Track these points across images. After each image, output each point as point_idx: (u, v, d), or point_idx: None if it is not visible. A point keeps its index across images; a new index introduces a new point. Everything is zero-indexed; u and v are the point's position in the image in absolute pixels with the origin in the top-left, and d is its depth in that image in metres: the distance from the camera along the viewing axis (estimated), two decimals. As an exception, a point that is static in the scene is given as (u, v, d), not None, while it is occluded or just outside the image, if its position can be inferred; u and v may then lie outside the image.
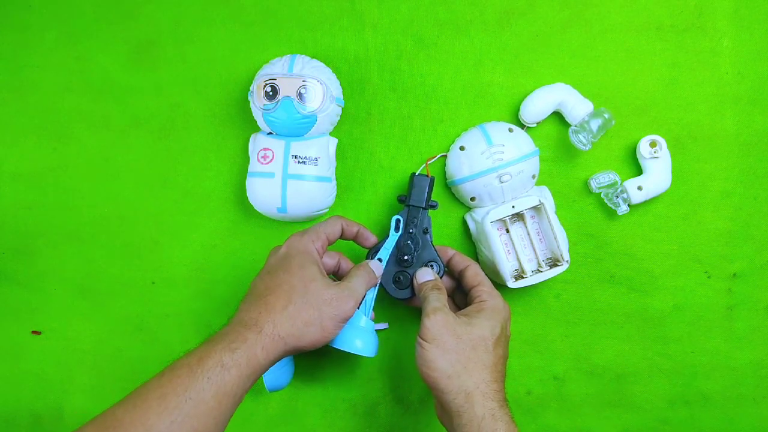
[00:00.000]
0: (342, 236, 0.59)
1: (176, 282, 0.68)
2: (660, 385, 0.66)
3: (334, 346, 0.55)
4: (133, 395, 0.45)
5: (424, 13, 0.67)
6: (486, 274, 0.65)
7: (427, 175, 0.62)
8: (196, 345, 0.65)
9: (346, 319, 0.52)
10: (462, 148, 0.63)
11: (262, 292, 0.51)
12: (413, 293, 0.59)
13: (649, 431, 0.67)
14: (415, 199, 0.61)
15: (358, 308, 0.57)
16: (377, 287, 0.59)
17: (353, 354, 0.64)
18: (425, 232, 0.60)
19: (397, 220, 0.60)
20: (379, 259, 0.59)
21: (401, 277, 0.60)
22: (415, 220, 0.60)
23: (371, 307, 0.58)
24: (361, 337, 0.56)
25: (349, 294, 0.52)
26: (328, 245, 0.57)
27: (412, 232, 0.60)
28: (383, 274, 0.59)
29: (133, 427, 0.42)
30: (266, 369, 0.48)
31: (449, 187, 0.66)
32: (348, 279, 0.54)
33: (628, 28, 0.66)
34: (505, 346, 0.55)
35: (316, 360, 0.68)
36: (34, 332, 0.69)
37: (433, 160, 0.66)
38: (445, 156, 0.66)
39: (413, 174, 0.62)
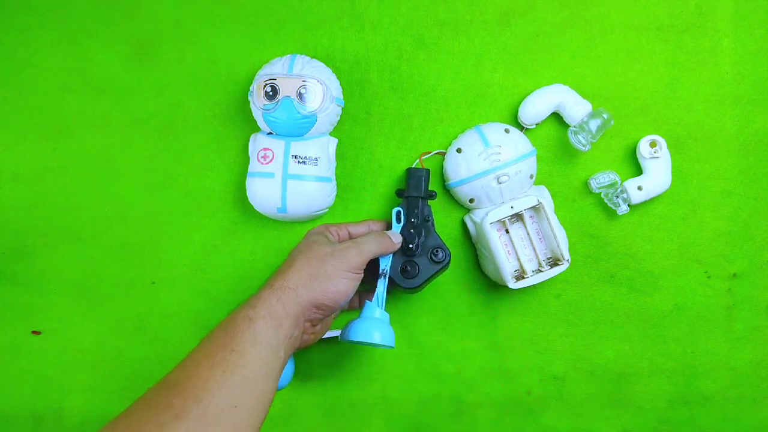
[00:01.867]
0: None
1: (176, 282, 0.68)
2: (660, 385, 0.66)
3: (354, 340, 0.55)
4: (179, 364, 0.47)
5: (424, 13, 0.67)
6: (487, 275, 0.65)
7: (422, 167, 0.63)
8: (196, 345, 0.66)
9: (351, 268, 0.53)
10: (459, 150, 0.63)
11: (277, 270, 0.55)
12: (423, 282, 0.60)
13: (649, 431, 0.67)
14: (412, 189, 0.62)
15: (370, 301, 0.58)
16: (386, 279, 0.59)
17: (371, 347, 0.64)
18: (426, 220, 0.61)
19: (398, 212, 0.61)
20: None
21: (409, 267, 0.60)
22: (416, 210, 0.61)
23: (383, 299, 0.59)
24: (378, 329, 0.56)
25: (353, 246, 0.55)
26: (352, 237, 0.60)
27: (414, 221, 0.61)
28: (391, 266, 0.60)
29: (190, 381, 0.44)
30: (291, 323, 0.50)
31: (448, 189, 0.66)
32: (357, 238, 0.57)
33: (628, 28, 0.66)
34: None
35: (316, 360, 0.68)
36: (34, 332, 0.69)
37: (428, 155, 0.66)
38: (441, 153, 0.66)
39: (409, 168, 0.63)
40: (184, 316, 0.68)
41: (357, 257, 0.54)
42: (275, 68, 0.62)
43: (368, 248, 0.55)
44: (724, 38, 0.66)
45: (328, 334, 0.66)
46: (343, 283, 0.53)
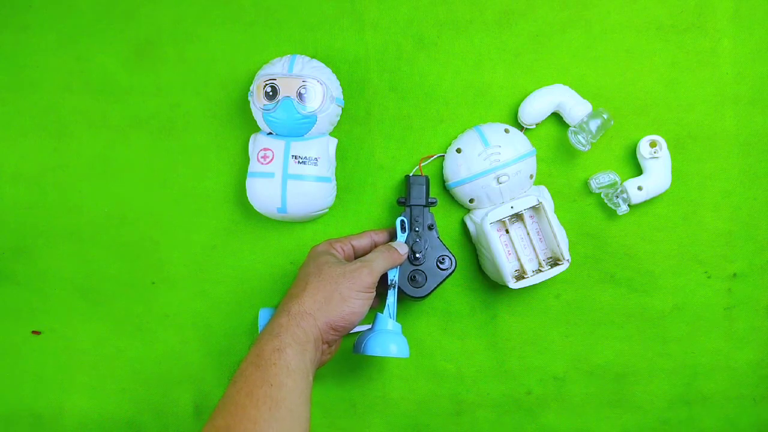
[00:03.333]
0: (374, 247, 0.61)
1: (176, 282, 0.68)
2: (660, 385, 0.66)
3: (369, 354, 0.56)
4: (219, 406, 0.47)
5: (424, 13, 0.67)
6: (487, 275, 0.65)
7: (422, 175, 0.63)
8: (196, 345, 0.66)
9: (364, 288, 0.53)
10: (459, 150, 0.63)
11: (287, 292, 0.55)
12: (431, 291, 0.61)
13: (649, 431, 0.67)
14: (414, 198, 0.62)
15: (381, 313, 0.58)
16: (396, 290, 0.60)
17: (387, 357, 0.65)
18: (430, 228, 0.61)
19: (402, 221, 0.61)
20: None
21: (416, 276, 0.61)
22: (419, 218, 0.61)
23: (395, 310, 0.59)
24: (394, 342, 0.57)
25: (363, 266, 0.54)
26: (358, 252, 0.60)
27: (418, 231, 0.61)
28: (399, 277, 0.60)
29: (242, 424, 0.45)
30: (314, 346, 0.51)
31: (447, 190, 0.66)
32: (365, 256, 0.57)
33: (628, 28, 0.66)
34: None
35: (316, 360, 0.68)
36: (34, 332, 0.69)
37: (429, 161, 0.66)
38: (441, 156, 0.66)
39: (408, 175, 0.63)
40: (184, 316, 0.68)
41: (369, 277, 0.54)
42: (275, 68, 0.62)
43: (378, 265, 0.55)
44: (724, 38, 0.65)
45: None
46: (358, 303, 0.53)
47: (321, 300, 0.52)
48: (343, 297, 0.52)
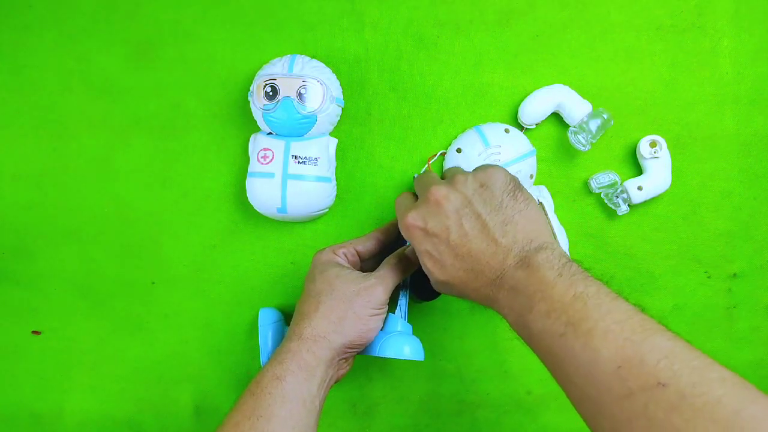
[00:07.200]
0: (382, 247, 0.61)
1: (176, 282, 0.68)
2: (660, 385, 0.66)
3: (383, 356, 0.55)
4: None
5: (424, 13, 0.67)
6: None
7: None
8: (195, 345, 0.66)
9: (379, 305, 0.53)
10: (459, 150, 0.63)
11: (298, 309, 0.54)
12: (438, 293, 0.60)
13: (649, 431, 0.66)
14: None
15: (393, 314, 0.58)
16: (407, 293, 0.59)
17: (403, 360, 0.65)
18: None
19: None
20: None
21: (426, 279, 0.60)
22: None
23: (406, 311, 0.59)
24: (408, 343, 0.56)
25: (376, 281, 0.53)
26: (364, 256, 0.59)
27: None
28: (410, 279, 0.60)
29: None
30: (324, 369, 0.50)
31: (449, 188, 0.66)
32: (377, 269, 0.56)
33: (628, 28, 0.66)
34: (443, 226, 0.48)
35: (316, 360, 0.68)
36: (34, 332, 0.69)
37: (434, 158, 0.66)
38: (444, 154, 0.66)
39: (417, 176, 0.62)
40: (183, 316, 0.68)
41: (383, 294, 0.53)
42: (275, 68, 0.62)
43: (392, 281, 0.55)
44: (724, 38, 0.65)
45: None
46: (373, 320, 0.53)
47: (335, 320, 0.51)
48: (358, 316, 0.51)
